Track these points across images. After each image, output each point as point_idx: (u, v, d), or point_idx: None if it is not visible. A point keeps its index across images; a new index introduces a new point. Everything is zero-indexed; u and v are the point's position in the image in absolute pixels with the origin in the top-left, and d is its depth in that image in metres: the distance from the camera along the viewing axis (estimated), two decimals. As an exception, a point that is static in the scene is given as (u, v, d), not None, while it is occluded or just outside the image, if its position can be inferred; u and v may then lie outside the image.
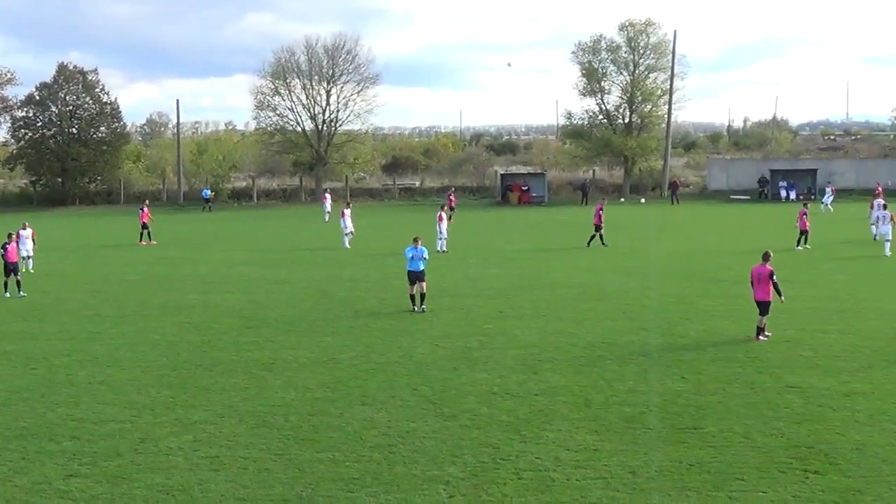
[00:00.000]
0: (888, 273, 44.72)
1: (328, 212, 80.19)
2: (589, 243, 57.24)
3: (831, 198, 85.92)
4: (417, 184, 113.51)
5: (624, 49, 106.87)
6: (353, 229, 59.72)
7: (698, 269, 46.98)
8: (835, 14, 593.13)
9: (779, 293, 29.94)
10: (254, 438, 21.18)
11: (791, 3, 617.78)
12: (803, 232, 54.73)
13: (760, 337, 30.16)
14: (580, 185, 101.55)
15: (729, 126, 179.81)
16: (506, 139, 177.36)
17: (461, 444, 20.47)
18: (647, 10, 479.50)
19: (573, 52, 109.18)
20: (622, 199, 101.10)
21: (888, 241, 51.61)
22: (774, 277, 29.93)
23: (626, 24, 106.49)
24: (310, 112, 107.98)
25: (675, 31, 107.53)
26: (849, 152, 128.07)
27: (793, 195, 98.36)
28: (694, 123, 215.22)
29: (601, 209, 58.17)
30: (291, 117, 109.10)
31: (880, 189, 78.12)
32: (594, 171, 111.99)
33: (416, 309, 35.64)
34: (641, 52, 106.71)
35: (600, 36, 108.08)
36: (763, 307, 30.07)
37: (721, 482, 18.10)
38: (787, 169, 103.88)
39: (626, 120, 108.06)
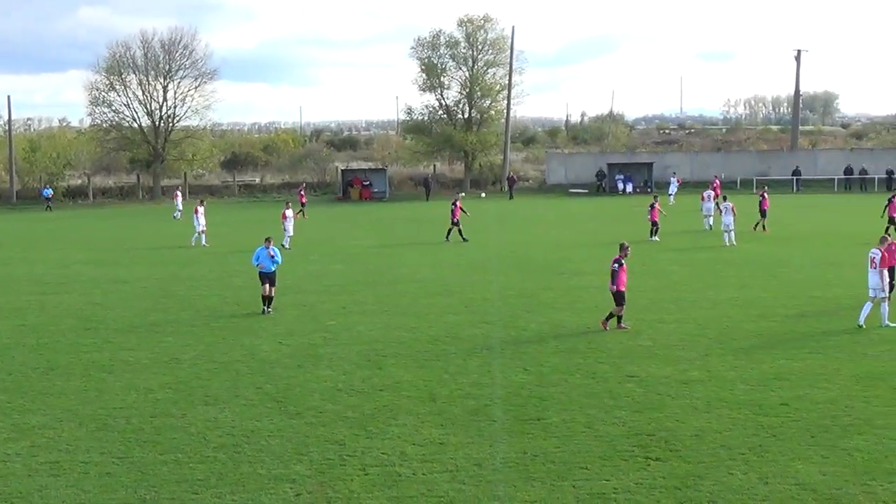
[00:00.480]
0: (722, 263, 45.80)
1: (180, 210, 79.22)
2: (447, 237, 57.62)
3: (676, 188, 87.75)
4: (258, 180, 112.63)
5: (463, 44, 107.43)
6: (205, 227, 58.84)
7: (539, 262, 47.55)
8: (668, 10, 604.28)
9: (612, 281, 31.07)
10: (94, 442, 20.82)
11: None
12: (654, 224, 55.83)
13: (623, 324, 31.09)
14: (423, 180, 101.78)
15: (567, 121, 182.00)
16: (346, 135, 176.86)
17: (307, 442, 20.42)
18: (485, 6, 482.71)
19: (413, 48, 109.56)
20: (463, 194, 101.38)
21: (732, 230, 52.86)
22: (615, 265, 30.96)
23: (465, 19, 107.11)
24: (146, 108, 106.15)
25: (513, 27, 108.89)
26: (683, 146, 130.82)
27: (629, 188, 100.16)
28: (533, 118, 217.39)
29: (456, 203, 58.35)
30: (127, 113, 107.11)
31: (717, 182, 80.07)
32: (435, 166, 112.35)
33: (265, 310, 35.11)
34: (480, 47, 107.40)
35: (439, 31, 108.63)
36: (618, 297, 30.86)
37: (565, 471, 18.38)
38: (623, 163, 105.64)
39: (466, 115, 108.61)
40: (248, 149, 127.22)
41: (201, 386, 25.16)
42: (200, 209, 59.24)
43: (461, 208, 58.46)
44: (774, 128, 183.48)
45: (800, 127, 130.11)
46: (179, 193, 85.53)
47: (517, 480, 18.03)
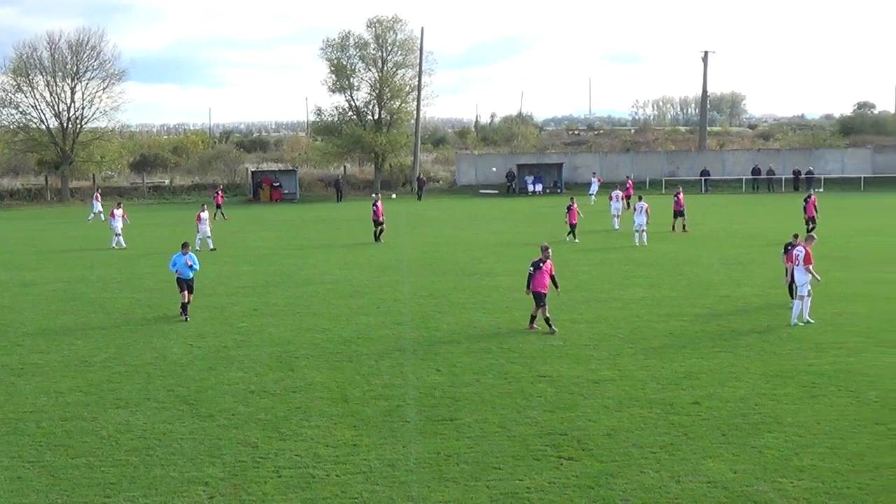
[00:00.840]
0: (633, 263, 46.17)
1: (97, 212, 78.17)
2: (378, 239, 57.18)
3: (597, 188, 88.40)
4: (167, 182, 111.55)
5: (372, 46, 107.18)
6: (120, 228, 57.99)
7: (450, 262, 47.61)
8: (576, 12, 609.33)
9: (555, 284, 31.21)
10: (4, 446, 20.52)
11: (534, 0, 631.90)
12: (572, 226, 55.68)
13: (535, 325, 31.09)
14: (335, 182, 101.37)
15: (476, 121, 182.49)
16: (256, 136, 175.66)
17: (219, 444, 20.29)
18: (394, 7, 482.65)
19: (322, 49, 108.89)
20: (374, 195, 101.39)
21: (644, 230, 53.29)
22: (530, 268, 30.88)
23: (374, 20, 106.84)
24: (54, 109, 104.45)
25: (422, 28, 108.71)
26: (592, 146, 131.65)
27: (539, 188, 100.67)
28: (443, 119, 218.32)
29: (377, 204, 57.86)
30: (35, 115, 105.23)
31: (630, 182, 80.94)
32: (345, 167, 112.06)
33: (185, 317, 34.21)
34: (389, 48, 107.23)
35: (349, 32, 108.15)
36: (539, 298, 30.67)
37: (479, 472, 18.43)
38: (533, 163, 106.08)
39: (376, 116, 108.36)
40: (158, 150, 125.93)
41: (112, 389, 24.89)
42: (118, 212, 58.52)
43: (382, 210, 58.08)
44: (682, 128, 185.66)
45: (707, 127, 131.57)
46: (99, 195, 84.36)
47: (431, 481, 18.05)
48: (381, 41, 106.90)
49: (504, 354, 27.89)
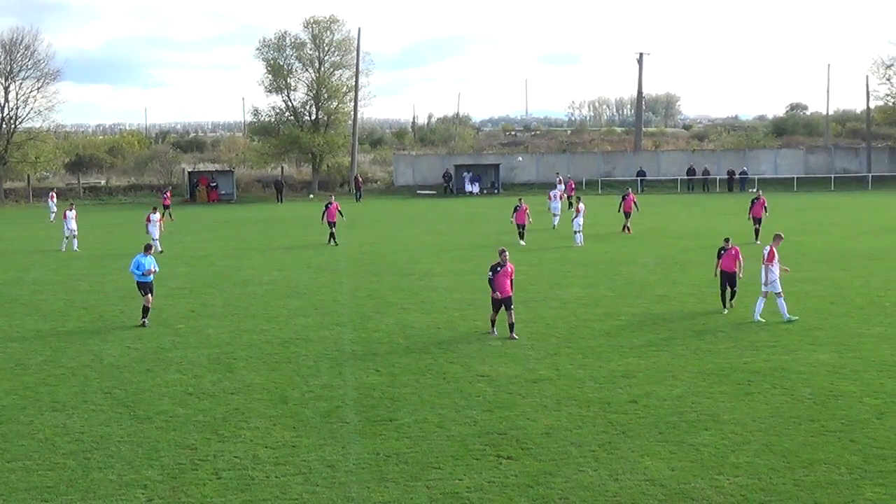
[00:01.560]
0: (570, 262, 46.42)
1: (54, 212, 77.09)
2: (333, 242, 56.54)
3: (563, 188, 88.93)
4: (103, 182, 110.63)
5: (309, 46, 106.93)
6: (75, 231, 56.85)
7: (387, 263, 47.65)
8: (512, 13, 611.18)
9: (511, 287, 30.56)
10: (-62, 451, 20.32)
11: (470, 1, 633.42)
12: (521, 227, 55.39)
13: (515, 335, 30.00)
14: (275, 182, 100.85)
15: (414, 122, 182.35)
16: (193, 136, 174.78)
17: (158, 447, 20.18)
18: (331, 7, 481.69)
19: (258, 49, 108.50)
20: (311, 196, 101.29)
21: (580, 232, 53.58)
22: (489, 272, 30.45)
23: (311, 20, 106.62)
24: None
25: (359, 29, 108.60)
26: (529, 147, 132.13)
27: (476, 189, 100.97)
28: (380, 120, 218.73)
29: (331, 205, 57.92)
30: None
31: (572, 183, 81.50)
32: (283, 167, 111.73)
33: (145, 322, 33.09)
34: (326, 48, 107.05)
35: (285, 32, 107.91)
36: (508, 301, 30.14)
37: (419, 472, 18.47)
38: (470, 164, 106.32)
39: (313, 117, 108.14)
40: (93, 151, 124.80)
41: (49, 392, 24.67)
42: (70, 213, 57.28)
43: (339, 210, 57.99)
44: (618, 129, 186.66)
45: (643, 128, 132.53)
46: (54, 195, 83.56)
47: (370, 481, 18.07)
48: (318, 41, 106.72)
49: (442, 355, 27.96)
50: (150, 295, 33.23)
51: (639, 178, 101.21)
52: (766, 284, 31.78)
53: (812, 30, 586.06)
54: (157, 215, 55.47)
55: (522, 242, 54.23)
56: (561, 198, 67.73)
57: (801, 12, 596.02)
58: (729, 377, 24.97)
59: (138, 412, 22.75)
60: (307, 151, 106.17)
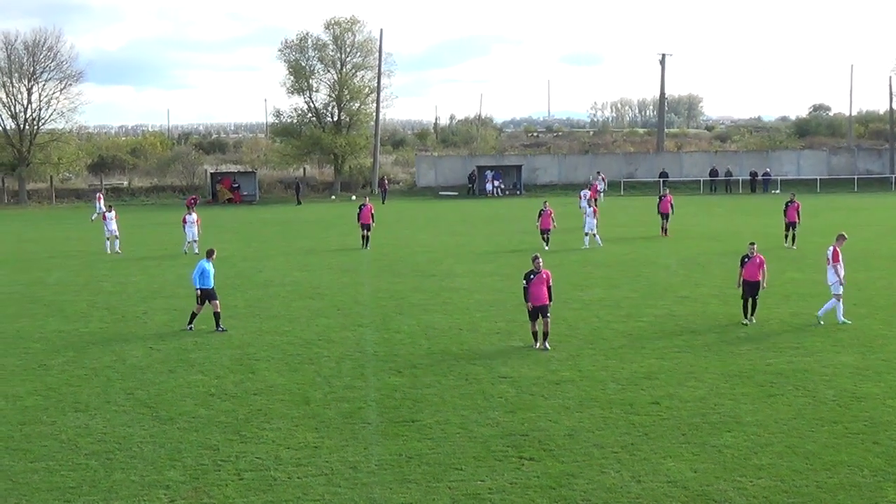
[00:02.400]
0: (591, 264, 46.36)
1: (100, 212, 75.37)
2: (366, 245, 55.06)
3: (605, 187, 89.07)
4: (125, 183, 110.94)
5: (331, 47, 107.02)
6: (116, 232, 55.39)
7: (409, 264, 47.65)
8: (535, 14, 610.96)
9: (550, 297, 28.73)
10: (-38, 451, 20.39)
11: (492, 2, 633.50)
12: (545, 231, 53.91)
13: (547, 345, 28.57)
14: (294, 184, 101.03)
15: (436, 123, 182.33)
16: (215, 138, 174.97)
17: (180, 448, 20.22)
18: (352, 8, 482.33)
19: (280, 50, 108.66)
20: (333, 197, 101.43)
21: (595, 233, 53.36)
22: (523, 280, 28.96)
23: (332, 21, 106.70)
24: (10, 111, 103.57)
25: (381, 30, 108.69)
26: (551, 148, 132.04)
27: (496, 185, 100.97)
28: (402, 121, 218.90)
29: (365, 206, 56.04)
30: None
31: (596, 185, 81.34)
32: (305, 169, 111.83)
33: (222, 328, 32.21)
34: (348, 50, 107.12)
35: (307, 34, 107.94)
36: (543, 310, 28.47)
37: (440, 473, 18.47)
38: (493, 165, 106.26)
39: (335, 118, 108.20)
40: (116, 152, 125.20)
41: (71, 392, 24.74)
42: (110, 215, 55.82)
43: (372, 213, 56.05)
44: (641, 130, 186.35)
45: (665, 129, 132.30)
46: (101, 196, 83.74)
47: (392, 483, 18.07)
48: (339, 42, 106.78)
49: (464, 356, 27.95)
50: (217, 301, 32.53)
51: (661, 180, 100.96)
52: (832, 285, 31.68)
53: (835, 30, 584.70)
54: (194, 216, 54.37)
55: (546, 247, 52.40)
56: (594, 196, 67.77)
57: (824, 13, 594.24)
58: (751, 379, 24.90)
59: (161, 413, 22.81)
60: (329, 152, 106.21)
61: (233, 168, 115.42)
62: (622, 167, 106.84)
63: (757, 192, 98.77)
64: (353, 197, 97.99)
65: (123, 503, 17.32)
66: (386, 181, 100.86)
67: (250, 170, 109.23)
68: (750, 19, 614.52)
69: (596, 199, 73.47)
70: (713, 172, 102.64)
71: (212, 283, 32.50)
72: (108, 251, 54.83)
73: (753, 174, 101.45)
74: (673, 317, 33.18)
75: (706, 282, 40.22)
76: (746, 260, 31.89)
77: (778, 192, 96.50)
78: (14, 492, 17.92)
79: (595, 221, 53.62)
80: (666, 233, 58.14)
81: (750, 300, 31.78)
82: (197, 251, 52.58)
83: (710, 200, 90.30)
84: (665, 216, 58.64)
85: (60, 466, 19.21)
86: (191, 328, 32.43)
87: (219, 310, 32.51)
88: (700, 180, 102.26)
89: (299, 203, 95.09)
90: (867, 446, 19.66)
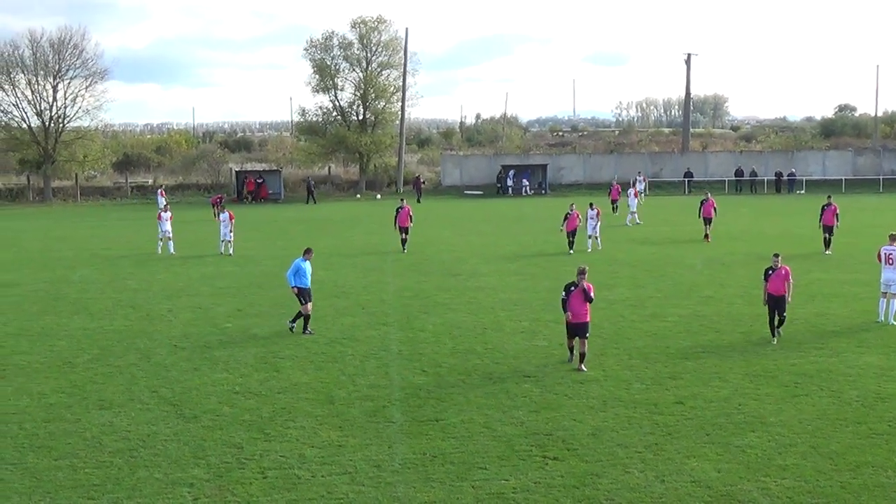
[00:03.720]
0: (616, 263, 46.28)
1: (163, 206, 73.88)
2: (403, 249, 52.69)
3: (644, 186, 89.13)
4: (150, 182, 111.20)
5: (356, 46, 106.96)
6: (170, 232, 53.97)
7: (434, 263, 47.66)
8: (560, 13, 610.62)
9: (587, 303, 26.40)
10: (-13, 448, 20.48)
11: (517, 1, 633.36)
12: (571, 233, 51.47)
13: (584, 367, 26.23)
14: (306, 184, 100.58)
15: (461, 122, 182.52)
16: (240, 136, 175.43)
17: (204, 446, 20.28)
18: (378, 7, 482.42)
19: (305, 49, 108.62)
20: (358, 196, 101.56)
21: (597, 237, 52.62)
22: (563, 293, 26.85)
23: (358, 21, 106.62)
24: (36, 108, 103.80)
25: (406, 29, 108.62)
26: (576, 148, 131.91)
27: (522, 183, 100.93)
28: (427, 120, 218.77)
29: (403, 208, 53.38)
30: (16, 113, 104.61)
31: (619, 187, 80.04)
32: (330, 167, 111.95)
33: (309, 331, 31.52)
34: (374, 49, 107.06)
35: (332, 33, 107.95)
36: (582, 329, 26.37)
37: (464, 472, 18.48)
38: (518, 164, 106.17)
39: (360, 117, 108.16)
40: (141, 150, 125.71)
41: (96, 390, 24.84)
42: (165, 215, 54.50)
43: (410, 215, 53.82)
44: (666, 130, 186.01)
45: (690, 129, 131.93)
46: (163, 191, 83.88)
47: (416, 481, 18.09)
48: (365, 41, 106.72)
49: (489, 355, 27.95)
50: (310, 303, 31.67)
51: (686, 179, 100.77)
52: (887, 284, 31.64)
53: (861, 30, 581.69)
54: (227, 213, 53.30)
55: (571, 251, 51.21)
56: (636, 196, 67.34)
57: (849, 13, 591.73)
58: (776, 379, 24.84)
59: (185, 411, 22.87)
60: (354, 151, 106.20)
61: (258, 166, 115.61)
62: (647, 167, 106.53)
63: (782, 193, 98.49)
64: (378, 196, 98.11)
65: (147, 501, 17.38)
66: (421, 180, 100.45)
67: (276, 168, 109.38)
68: (775, 19, 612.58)
69: (615, 202, 73.31)
70: (738, 172, 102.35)
71: (308, 283, 31.61)
72: (160, 251, 53.76)
73: (778, 174, 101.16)
74: (697, 317, 33.10)
75: (731, 282, 40.11)
76: (771, 272, 29.16)
77: (803, 192, 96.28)
78: (38, 489, 17.99)
79: (598, 224, 52.75)
80: (708, 238, 55.96)
81: (777, 316, 29.19)
82: (231, 252, 52.29)
83: (735, 200, 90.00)
84: (708, 221, 56.75)
85: (84, 464, 19.29)
86: (310, 332, 31.39)
87: (309, 312, 31.63)
88: (725, 180, 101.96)
89: (308, 202, 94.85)
90: (892, 447, 19.59)
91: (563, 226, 52.62)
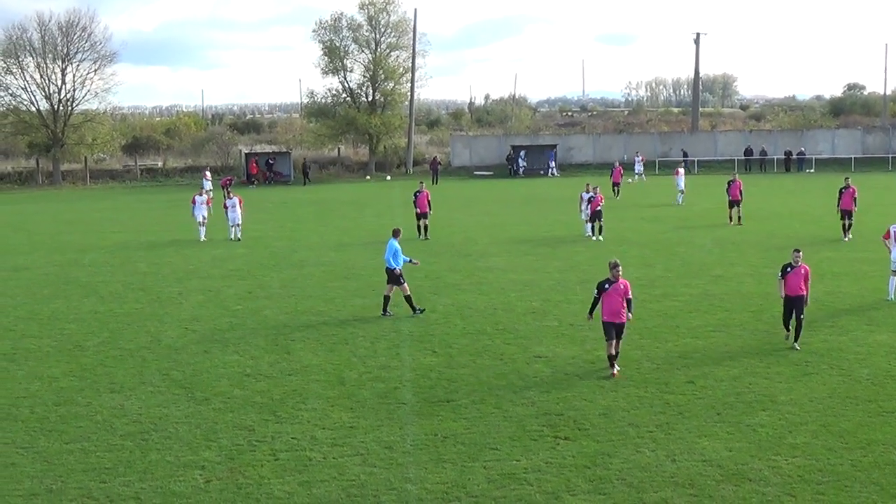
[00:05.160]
0: (626, 243, 46.16)
1: (207, 190, 67.65)
2: (424, 235, 50.46)
3: (642, 167, 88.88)
4: (160, 164, 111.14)
5: (365, 27, 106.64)
6: (206, 217, 53.10)
7: (444, 244, 47.62)
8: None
9: (629, 309, 24.14)
10: (-2, 432, 20.54)
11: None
12: (596, 215, 49.00)
13: (617, 367, 23.94)
14: (301, 165, 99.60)
15: (471, 103, 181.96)
16: (249, 118, 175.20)
17: (215, 428, 20.33)
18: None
19: (314, 31, 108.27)
20: (368, 177, 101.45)
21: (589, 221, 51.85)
22: (595, 291, 24.52)
23: (367, 2, 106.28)
24: (45, 91, 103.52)
25: (415, 10, 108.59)
26: (586, 128, 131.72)
27: (524, 165, 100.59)
28: (437, 101, 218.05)
29: (420, 192, 51.19)
30: (25, 97, 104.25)
31: (621, 168, 78.21)
32: (340, 149, 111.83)
33: (388, 312, 31.29)
34: (382, 30, 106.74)
35: (341, 14, 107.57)
36: (620, 329, 24.11)
37: (476, 453, 18.50)
38: (527, 144, 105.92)
39: (370, 98, 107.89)
40: (150, 132, 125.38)
41: (106, 373, 24.90)
42: (199, 199, 53.65)
43: (429, 200, 51.14)
44: (675, 109, 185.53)
45: (700, 109, 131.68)
46: (208, 173, 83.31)
47: (428, 462, 18.12)
48: (374, 23, 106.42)
49: (499, 335, 27.97)
50: (397, 283, 31.10)
51: (687, 159, 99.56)
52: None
53: (870, 9, 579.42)
54: (236, 198, 52.32)
55: (594, 237, 48.59)
56: (677, 174, 66.46)
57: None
58: (786, 358, 24.84)
59: (196, 393, 22.93)
60: (364, 133, 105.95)
61: (268, 148, 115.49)
62: (657, 146, 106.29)
63: (791, 171, 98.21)
64: (388, 177, 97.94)
65: (159, 483, 17.42)
66: (438, 161, 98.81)
67: (285, 150, 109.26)
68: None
69: (616, 185, 72.24)
70: (748, 151, 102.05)
71: (401, 263, 31.21)
72: (203, 238, 51.90)
73: (788, 153, 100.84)
74: (708, 296, 33.08)
75: (741, 261, 40.06)
76: (789, 270, 26.00)
77: (812, 171, 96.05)
78: (50, 472, 18.04)
79: (588, 209, 50.67)
80: (740, 221, 52.96)
81: (794, 317, 25.93)
82: (240, 236, 51.65)
83: (744, 179, 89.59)
84: (736, 203, 53.45)
85: (96, 447, 19.34)
86: (390, 314, 31.20)
87: (409, 292, 31.28)
88: (735, 159, 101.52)
89: (305, 183, 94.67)
90: (903, 425, 19.59)
91: (586, 209, 50.01)
